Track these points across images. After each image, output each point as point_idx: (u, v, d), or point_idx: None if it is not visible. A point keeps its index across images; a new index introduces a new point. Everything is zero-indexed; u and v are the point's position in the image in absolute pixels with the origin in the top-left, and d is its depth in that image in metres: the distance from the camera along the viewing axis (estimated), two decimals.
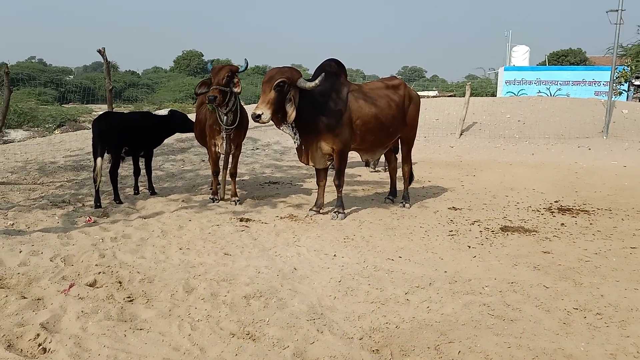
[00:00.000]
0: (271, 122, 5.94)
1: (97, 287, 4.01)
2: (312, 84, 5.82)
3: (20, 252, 4.63)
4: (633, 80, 24.04)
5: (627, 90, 24.78)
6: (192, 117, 7.96)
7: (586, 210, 6.91)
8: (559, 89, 25.96)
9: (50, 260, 4.48)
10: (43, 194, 7.19)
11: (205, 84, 6.63)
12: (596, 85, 25.39)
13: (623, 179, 9.59)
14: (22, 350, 3.08)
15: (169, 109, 8.78)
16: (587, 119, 15.79)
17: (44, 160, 9.92)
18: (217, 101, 6.29)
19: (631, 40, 30.08)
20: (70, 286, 3.91)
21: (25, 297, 3.72)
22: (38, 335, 3.18)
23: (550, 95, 24.84)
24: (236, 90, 6.56)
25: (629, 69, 22.58)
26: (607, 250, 5.21)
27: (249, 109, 7.14)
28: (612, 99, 16.01)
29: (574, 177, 9.76)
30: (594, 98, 19.36)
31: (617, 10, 15.24)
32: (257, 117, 5.61)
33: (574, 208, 7.05)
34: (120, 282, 4.08)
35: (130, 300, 3.78)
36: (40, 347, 3.10)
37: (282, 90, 5.70)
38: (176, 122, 7.57)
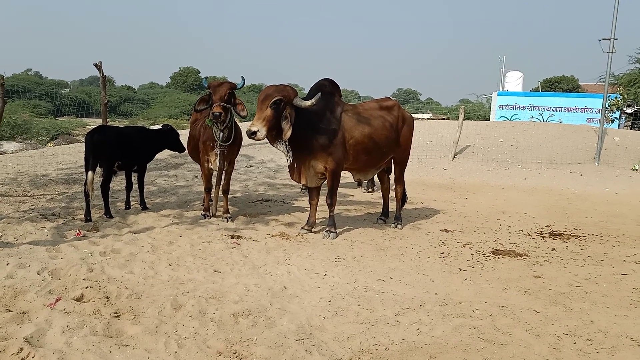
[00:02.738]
0: (265, 140, 5.95)
1: (84, 302, 3.95)
2: (308, 103, 5.84)
3: (7, 264, 4.57)
4: (625, 109, 24.32)
5: (618, 117, 25.06)
6: (185, 132, 7.96)
7: (577, 236, 6.93)
8: (552, 115, 26.17)
9: (37, 273, 4.42)
10: (33, 207, 7.13)
11: (204, 100, 6.64)
12: (588, 112, 25.62)
13: (614, 205, 9.64)
14: None
15: (162, 124, 8.77)
16: (579, 145, 15.92)
17: (35, 172, 9.86)
18: (221, 117, 6.29)
19: (623, 69, 30.53)
20: (57, 300, 3.86)
21: (10, 311, 3.66)
22: (21, 349, 3.12)
23: (543, 121, 25.02)
24: (242, 114, 6.61)
25: (621, 97, 22.87)
26: (598, 276, 5.21)
27: (244, 126, 7.15)
28: (604, 126, 16.19)
29: (566, 203, 9.80)
30: (586, 125, 19.52)
31: (609, 39, 15.47)
32: (252, 134, 5.61)
33: (565, 233, 7.06)
34: (107, 297, 4.03)
35: (117, 316, 3.73)
36: None
37: (279, 108, 5.71)
38: (171, 137, 7.56)
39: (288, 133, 5.79)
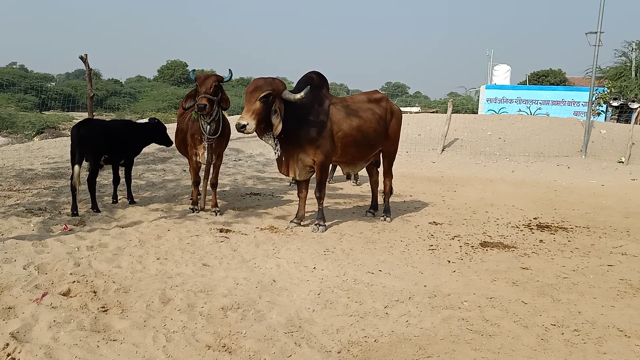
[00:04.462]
0: (254, 133, 5.91)
1: (71, 297, 3.92)
2: (297, 96, 5.81)
3: None
4: (611, 102, 24.56)
5: (605, 111, 25.30)
6: (173, 126, 7.90)
7: (564, 228, 6.99)
8: (539, 108, 26.36)
9: (23, 268, 4.37)
10: (19, 201, 7.05)
11: (191, 96, 6.60)
12: (575, 105, 25.82)
13: (601, 197, 9.73)
14: None
15: (150, 117, 8.70)
16: (566, 138, 16.04)
17: (21, 166, 9.74)
18: (206, 109, 6.25)
19: (609, 62, 30.75)
20: (43, 295, 3.82)
21: None
22: (7, 344, 3.09)
23: (531, 114, 25.18)
24: (224, 106, 6.59)
25: (608, 90, 23.04)
26: (585, 267, 5.25)
27: (232, 120, 7.11)
28: (591, 119, 16.32)
29: (553, 195, 9.88)
30: (573, 118, 19.67)
31: (596, 33, 15.58)
32: (242, 128, 5.57)
33: (552, 225, 7.12)
34: (94, 292, 3.99)
35: (105, 311, 3.70)
36: (10, 357, 3.01)
37: (267, 101, 5.67)
38: (158, 131, 7.50)
39: (279, 127, 5.76)
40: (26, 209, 6.53)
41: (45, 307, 3.62)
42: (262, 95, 5.63)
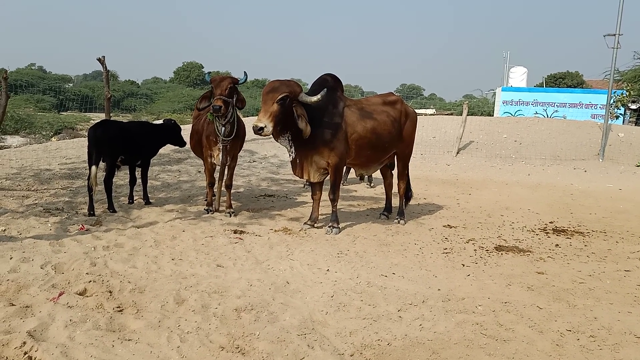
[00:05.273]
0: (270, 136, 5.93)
1: (87, 296, 3.96)
2: (314, 99, 5.82)
3: (10, 258, 4.58)
4: (629, 105, 24.22)
5: (623, 113, 24.97)
6: (188, 127, 7.95)
7: (581, 232, 6.91)
8: (556, 111, 26.10)
9: (40, 267, 4.43)
10: (37, 201, 7.14)
11: (206, 97, 6.66)
12: (593, 108, 25.52)
13: (618, 201, 9.61)
14: (7, 358, 3.03)
15: (165, 118, 8.76)
16: (583, 142, 15.87)
17: (39, 167, 9.87)
18: (221, 111, 6.28)
19: (627, 64, 30.32)
20: (60, 294, 3.87)
21: (13, 305, 3.67)
22: (24, 343, 3.13)
23: (547, 116, 24.95)
24: (240, 105, 6.64)
25: (626, 93, 22.74)
26: (601, 272, 5.19)
27: (247, 121, 7.15)
28: (609, 122, 16.13)
29: (570, 199, 9.77)
30: (590, 121, 19.47)
31: (614, 35, 15.40)
32: (259, 130, 5.58)
33: (568, 229, 7.04)
34: (110, 292, 4.03)
35: (120, 310, 3.73)
36: (26, 355, 3.05)
37: (285, 103, 5.69)
38: (174, 132, 7.56)
39: (307, 130, 5.81)
40: (44, 209, 6.62)
41: (62, 307, 3.66)
42: (280, 97, 5.65)
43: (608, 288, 4.71)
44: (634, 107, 24.30)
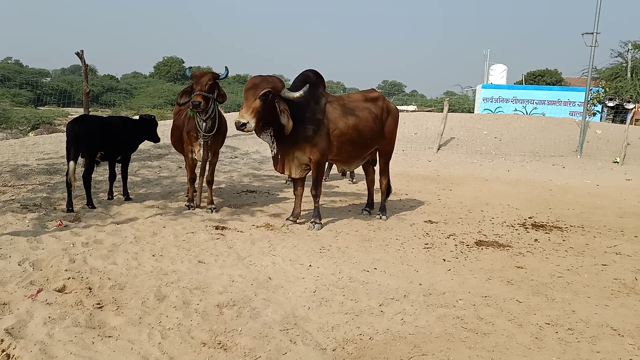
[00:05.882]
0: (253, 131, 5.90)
1: (66, 293, 3.91)
2: (296, 95, 5.80)
3: None
4: (607, 102, 24.63)
5: (600, 111, 25.37)
6: (168, 123, 7.87)
7: (559, 227, 7.01)
8: (535, 108, 26.37)
9: (18, 264, 4.36)
10: (14, 197, 7.02)
11: (186, 92, 6.59)
12: (571, 105, 25.84)
13: (596, 197, 9.77)
14: None
15: (142, 113, 8.66)
16: (561, 138, 16.10)
17: (16, 162, 9.70)
18: (201, 107, 6.24)
19: (605, 63, 30.85)
20: (38, 291, 3.82)
21: None
22: (2, 340, 3.08)
23: (527, 113, 25.20)
24: (220, 100, 6.59)
25: (603, 90, 23.09)
26: (579, 266, 5.28)
27: (229, 117, 7.11)
28: (587, 119, 16.38)
29: (548, 195, 9.91)
30: (568, 118, 19.73)
31: (592, 33, 15.63)
32: (242, 126, 5.55)
33: (547, 224, 7.14)
34: (90, 288, 3.98)
35: (100, 307, 3.69)
36: (4, 353, 3.00)
37: (267, 99, 5.66)
38: (153, 127, 7.49)
39: (290, 125, 5.78)
40: (21, 205, 6.51)
41: (40, 304, 3.61)
42: (262, 93, 5.62)
43: (586, 282, 4.79)
44: (611, 104, 24.71)
